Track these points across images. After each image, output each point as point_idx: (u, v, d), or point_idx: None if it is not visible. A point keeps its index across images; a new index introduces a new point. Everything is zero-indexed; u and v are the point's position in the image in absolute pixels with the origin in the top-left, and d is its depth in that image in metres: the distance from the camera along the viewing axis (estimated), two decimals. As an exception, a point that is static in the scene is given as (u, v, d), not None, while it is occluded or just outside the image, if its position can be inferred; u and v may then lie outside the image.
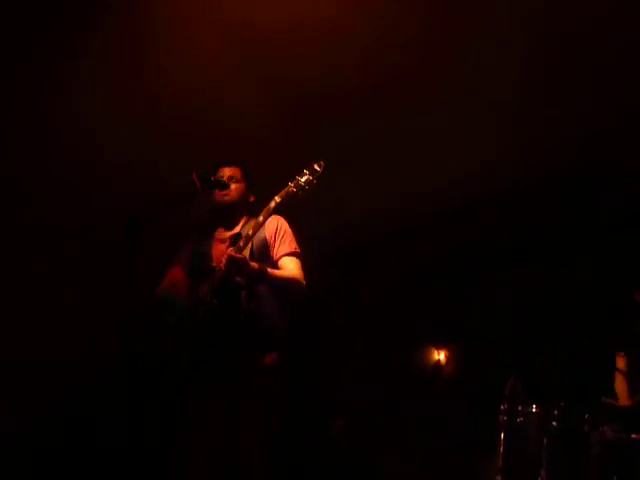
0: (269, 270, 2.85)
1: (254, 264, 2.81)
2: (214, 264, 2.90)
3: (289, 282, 2.94)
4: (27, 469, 4.52)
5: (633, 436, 3.40)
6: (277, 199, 2.84)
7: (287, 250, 3.00)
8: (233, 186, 3.04)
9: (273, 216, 3.01)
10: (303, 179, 2.84)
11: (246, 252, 2.86)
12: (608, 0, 3.60)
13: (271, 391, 2.90)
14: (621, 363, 3.89)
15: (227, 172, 3.08)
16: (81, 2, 3.76)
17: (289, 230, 3.08)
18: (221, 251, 2.94)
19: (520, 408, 3.74)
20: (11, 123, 4.33)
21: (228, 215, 3.09)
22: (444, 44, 3.94)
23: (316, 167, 2.86)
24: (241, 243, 2.82)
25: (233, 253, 2.76)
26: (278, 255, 2.99)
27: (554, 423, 3.61)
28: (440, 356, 6.26)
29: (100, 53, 3.98)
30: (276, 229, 3.04)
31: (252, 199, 3.13)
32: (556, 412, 3.62)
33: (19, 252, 4.84)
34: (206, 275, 2.89)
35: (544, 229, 5.31)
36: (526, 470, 3.60)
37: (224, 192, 3.01)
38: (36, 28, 3.80)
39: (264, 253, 2.98)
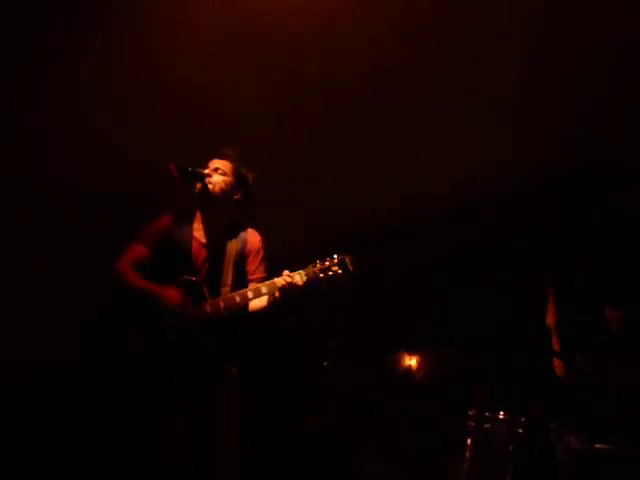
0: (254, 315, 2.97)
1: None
2: (197, 280, 2.88)
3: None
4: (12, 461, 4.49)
5: (597, 446, 3.43)
6: (300, 279, 2.82)
7: (263, 274, 3.05)
8: (216, 178, 3.00)
9: (254, 231, 3.10)
10: (332, 271, 2.82)
11: (228, 270, 2.94)
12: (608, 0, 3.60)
13: (241, 393, 2.95)
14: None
15: (215, 164, 3.05)
16: (81, 1, 3.73)
17: (263, 252, 3.12)
18: (199, 254, 2.96)
19: (487, 414, 3.79)
20: (10, 122, 4.31)
21: (209, 208, 3.04)
22: (444, 39, 3.89)
23: (348, 263, 2.83)
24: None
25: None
26: (253, 275, 3.03)
27: (520, 430, 3.65)
28: (412, 361, 6.25)
29: (100, 52, 3.97)
30: (257, 247, 3.08)
31: (238, 197, 3.08)
32: (523, 420, 3.67)
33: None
34: (184, 280, 2.89)
35: (544, 229, 5.29)
36: (491, 476, 3.65)
37: (204, 183, 2.96)
38: (36, 27, 3.79)
39: (240, 264, 3.01)
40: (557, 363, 3.95)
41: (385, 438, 5.22)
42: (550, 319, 4.10)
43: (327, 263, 2.84)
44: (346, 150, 4.62)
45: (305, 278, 2.82)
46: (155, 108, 4.27)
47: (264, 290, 2.83)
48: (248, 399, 2.99)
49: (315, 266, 2.86)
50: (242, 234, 3.09)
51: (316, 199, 5.01)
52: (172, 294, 2.84)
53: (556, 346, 4.00)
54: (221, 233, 3.04)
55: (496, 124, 4.43)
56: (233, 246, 3.02)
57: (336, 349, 5.80)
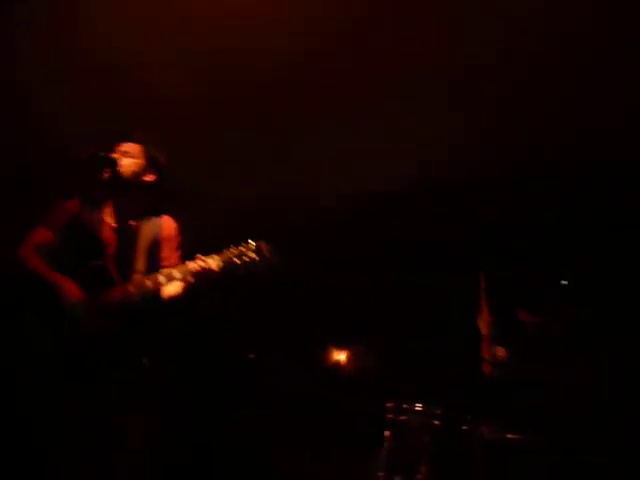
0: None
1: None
2: (105, 264, 2.80)
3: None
4: None
5: (509, 436, 3.57)
6: (215, 264, 2.76)
7: (177, 262, 2.96)
8: (125, 161, 2.94)
9: (169, 218, 3.05)
10: (248, 257, 2.77)
11: (141, 257, 2.86)
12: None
13: (152, 389, 2.86)
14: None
15: (124, 147, 2.99)
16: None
17: (179, 239, 3.07)
18: (110, 240, 2.88)
19: (405, 406, 3.90)
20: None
21: (120, 192, 2.98)
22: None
23: (264, 250, 2.79)
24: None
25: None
26: (166, 262, 2.95)
27: (436, 422, 3.79)
28: (341, 356, 6.20)
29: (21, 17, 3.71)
30: (172, 234, 3.03)
31: (150, 178, 3.01)
32: (439, 411, 3.82)
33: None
34: (92, 265, 2.81)
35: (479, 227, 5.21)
36: (408, 466, 3.74)
37: (113, 166, 2.90)
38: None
39: (154, 250, 2.96)
40: (486, 367, 4.10)
41: (307, 431, 5.22)
42: (482, 324, 4.22)
43: (243, 249, 2.80)
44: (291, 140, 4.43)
45: (220, 263, 2.78)
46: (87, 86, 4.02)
47: (176, 275, 2.77)
48: (162, 393, 2.93)
49: (231, 251, 2.82)
50: (156, 220, 3.04)
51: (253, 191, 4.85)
52: (72, 289, 2.75)
53: (485, 352, 4.13)
54: (133, 218, 2.99)
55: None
56: (146, 232, 2.97)
57: (263, 342, 5.76)
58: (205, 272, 2.74)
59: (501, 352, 4.08)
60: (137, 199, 2.99)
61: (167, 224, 3.04)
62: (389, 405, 3.90)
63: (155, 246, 2.95)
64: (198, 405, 5.20)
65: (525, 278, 4.69)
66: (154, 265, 2.91)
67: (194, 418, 5.07)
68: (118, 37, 3.69)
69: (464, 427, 3.72)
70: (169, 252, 2.97)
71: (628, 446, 3.50)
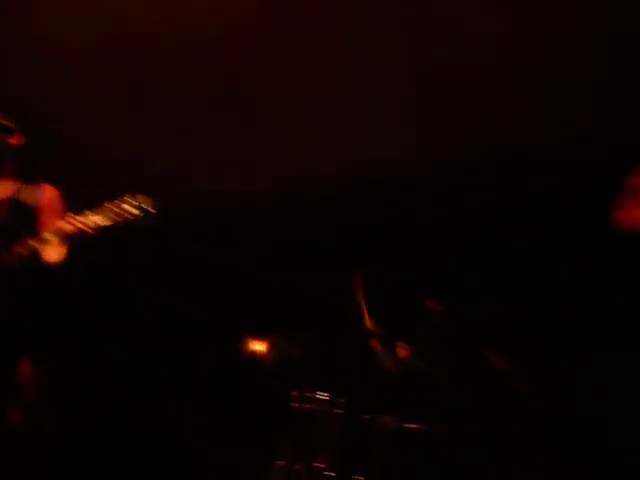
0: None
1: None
2: None
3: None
4: None
5: (405, 425, 3.66)
6: (90, 221, 2.62)
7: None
8: None
9: (48, 186, 2.95)
10: (126, 210, 2.64)
11: (22, 228, 2.73)
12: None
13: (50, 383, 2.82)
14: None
15: None
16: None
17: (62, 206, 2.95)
18: None
19: (308, 395, 3.93)
20: None
21: None
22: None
23: (144, 204, 2.66)
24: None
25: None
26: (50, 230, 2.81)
27: (339, 410, 3.83)
28: (259, 346, 6.00)
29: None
30: (52, 201, 2.94)
31: (16, 141, 2.89)
32: (342, 400, 3.85)
33: None
34: None
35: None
36: (308, 455, 3.78)
37: None
38: None
39: (34, 219, 2.86)
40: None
41: (211, 419, 5.15)
42: (367, 321, 4.26)
43: (120, 203, 2.69)
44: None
45: (98, 221, 2.66)
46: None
47: (48, 237, 2.65)
48: (61, 389, 3.00)
49: (108, 207, 2.70)
50: (35, 188, 2.97)
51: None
52: None
53: (375, 345, 4.14)
54: (7, 190, 2.92)
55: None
56: (25, 201, 2.91)
57: (179, 332, 5.64)
58: (82, 232, 2.62)
59: (403, 352, 4.08)
60: (9, 168, 2.92)
61: (47, 193, 2.95)
62: (293, 394, 3.93)
63: (35, 215, 2.87)
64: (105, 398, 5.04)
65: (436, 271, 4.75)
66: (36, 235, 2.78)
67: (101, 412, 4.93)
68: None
69: (366, 416, 3.77)
70: (50, 220, 2.84)
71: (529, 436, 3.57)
